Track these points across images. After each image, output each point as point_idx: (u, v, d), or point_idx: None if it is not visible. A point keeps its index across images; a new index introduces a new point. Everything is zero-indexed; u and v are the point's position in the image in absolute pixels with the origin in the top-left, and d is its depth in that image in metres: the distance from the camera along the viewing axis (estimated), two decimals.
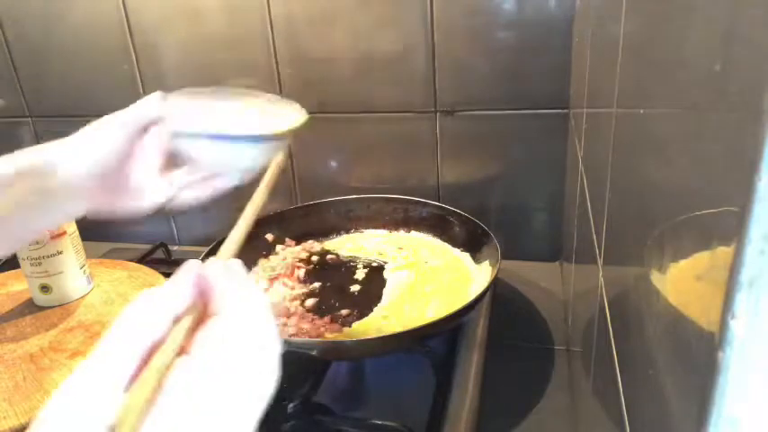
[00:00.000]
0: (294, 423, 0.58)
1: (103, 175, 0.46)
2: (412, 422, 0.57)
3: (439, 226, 0.87)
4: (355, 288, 0.77)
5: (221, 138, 0.48)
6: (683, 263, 0.21)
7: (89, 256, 0.79)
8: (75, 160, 0.46)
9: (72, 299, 0.76)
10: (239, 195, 1.12)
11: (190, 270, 0.30)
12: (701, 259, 0.19)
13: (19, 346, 0.67)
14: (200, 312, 0.29)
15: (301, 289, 0.77)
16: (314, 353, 0.58)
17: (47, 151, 0.46)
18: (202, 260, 0.32)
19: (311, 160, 0.96)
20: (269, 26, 0.88)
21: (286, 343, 0.59)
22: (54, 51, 0.98)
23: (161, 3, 0.90)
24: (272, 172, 0.47)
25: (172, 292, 0.29)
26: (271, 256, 0.85)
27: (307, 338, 0.66)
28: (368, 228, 0.91)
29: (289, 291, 0.76)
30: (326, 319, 0.70)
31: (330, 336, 0.67)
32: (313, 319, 0.70)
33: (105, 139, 0.47)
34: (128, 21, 0.93)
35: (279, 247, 0.87)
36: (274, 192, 0.45)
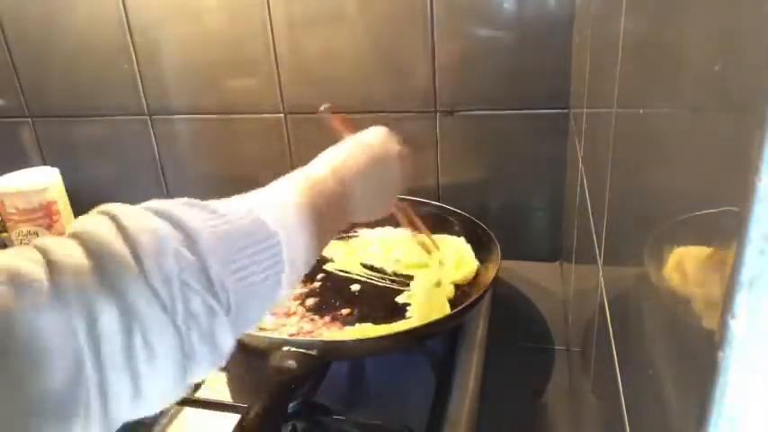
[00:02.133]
0: (294, 423, 0.58)
1: None
2: (412, 422, 0.57)
3: (439, 226, 0.87)
4: (356, 287, 0.77)
5: None
6: (683, 263, 0.21)
7: None
8: None
9: None
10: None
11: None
12: (700, 259, 0.19)
13: None
14: None
15: (301, 288, 0.77)
16: (314, 352, 0.58)
17: None
18: None
19: (311, 160, 0.96)
20: (269, 26, 0.88)
21: (286, 343, 0.59)
22: (54, 51, 0.98)
23: (161, 2, 0.90)
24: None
25: None
26: None
27: (308, 338, 0.66)
28: (366, 227, 0.91)
29: None
30: (327, 318, 0.70)
31: (330, 335, 0.67)
32: (313, 319, 0.71)
33: None
34: (128, 20, 0.93)
35: None
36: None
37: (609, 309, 0.38)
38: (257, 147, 0.98)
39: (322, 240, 0.44)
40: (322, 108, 0.64)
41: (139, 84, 0.97)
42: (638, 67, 0.31)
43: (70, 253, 0.28)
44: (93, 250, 0.28)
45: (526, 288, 0.86)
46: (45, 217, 0.70)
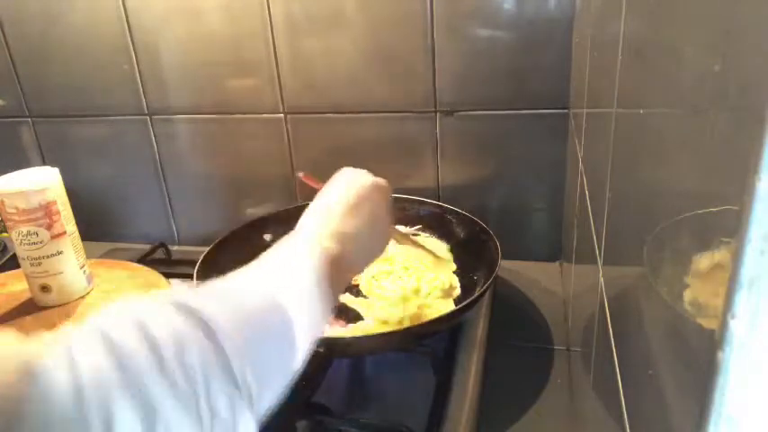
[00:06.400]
0: (294, 423, 0.58)
1: None
2: (412, 422, 0.57)
3: (438, 225, 0.87)
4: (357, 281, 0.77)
5: None
6: (682, 263, 0.21)
7: (89, 256, 0.79)
8: None
9: (72, 299, 0.76)
10: (237, 196, 1.11)
11: None
12: (700, 259, 0.19)
13: None
14: None
15: None
16: (321, 349, 0.59)
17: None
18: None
19: (311, 160, 0.96)
20: (269, 26, 0.88)
21: None
22: (54, 51, 0.98)
23: (161, 2, 0.90)
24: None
25: None
26: None
27: None
28: None
29: None
30: (330, 316, 0.71)
31: (336, 332, 0.67)
32: None
33: None
34: (128, 20, 0.93)
35: None
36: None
37: (609, 309, 0.38)
38: (257, 147, 0.98)
39: (331, 310, 0.46)
40: (299, 175, 0.69)
41: (139, 84, 0.97)
42: (638, 67, 0.31)
43: (91, 349, 0.29)
44: (115, 349, 0.29)
45: (526, 288, 0.86)
46: (45, 217, 0.70)
